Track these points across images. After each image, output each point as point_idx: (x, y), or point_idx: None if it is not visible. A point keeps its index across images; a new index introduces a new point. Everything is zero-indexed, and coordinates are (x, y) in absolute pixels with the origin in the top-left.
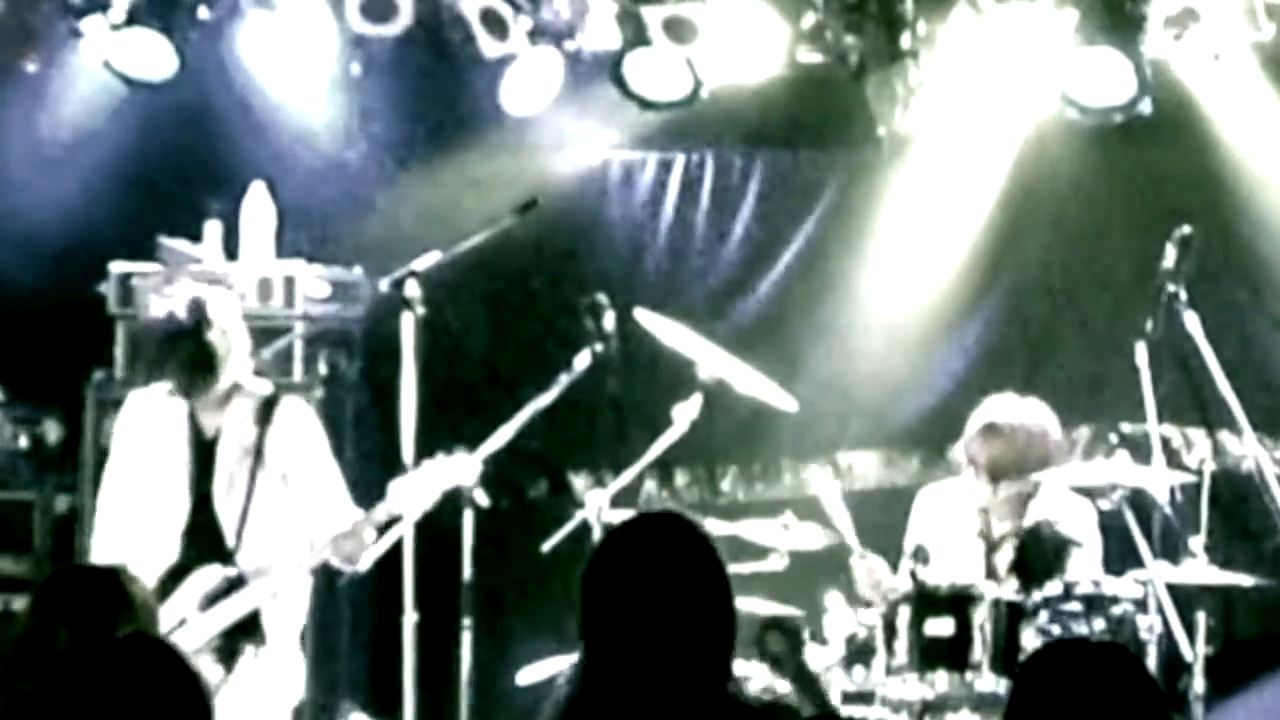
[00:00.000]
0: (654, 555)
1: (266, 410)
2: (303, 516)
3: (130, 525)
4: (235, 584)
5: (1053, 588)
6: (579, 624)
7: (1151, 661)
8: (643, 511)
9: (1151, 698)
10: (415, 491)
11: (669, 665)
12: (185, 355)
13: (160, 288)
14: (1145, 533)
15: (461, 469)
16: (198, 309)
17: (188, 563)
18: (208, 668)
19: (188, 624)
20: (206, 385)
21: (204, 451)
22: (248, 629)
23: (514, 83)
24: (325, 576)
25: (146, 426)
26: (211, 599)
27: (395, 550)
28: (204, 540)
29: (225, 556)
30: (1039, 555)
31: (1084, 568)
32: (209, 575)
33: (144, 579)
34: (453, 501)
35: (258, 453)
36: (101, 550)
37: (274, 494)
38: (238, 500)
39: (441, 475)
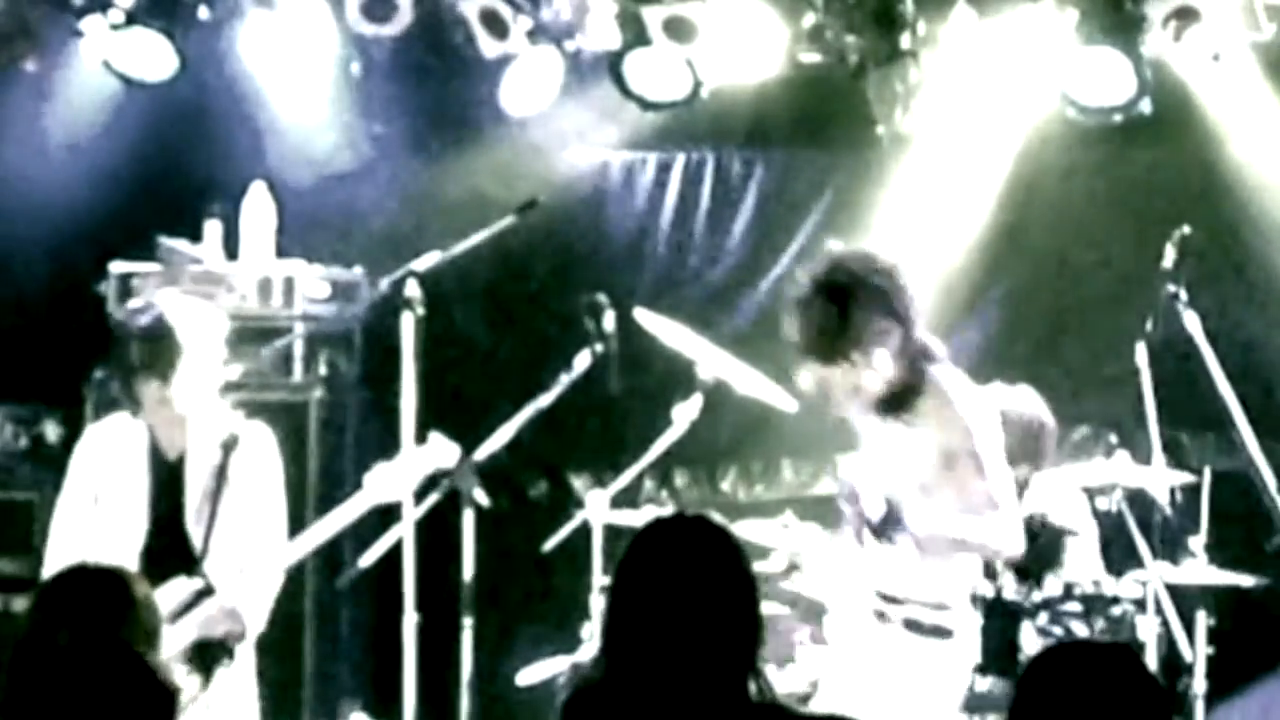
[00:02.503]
0: (682, 557)
1: (231, 435)
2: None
3: (84, 550)
4: (203, 595)
5: (1052, 588)
6: (604, 622)
7: (1151, 661)
8: (678, 512)
9: (1154, 699)
10: (392, 479)
11: (693, 666)
12: (142, 360)
13: (159, 287)
14: (1145, 533)
15: (439, 453)
16: (158, 315)
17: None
18: (184, 679)
19: None
20: (162, 390)
21: (166, 472)
22: (219, 640)
23: (514, 83)
24: (325, 577)
25: (104, 453)
26: (180, 611)
27: (395, 550)
28: (166, 558)
29: (190, 570)
30: (1035, 549)
31: (1082, 556)
32: (177, 588)
33: None
34: (453, 502)
35: (222, 473)
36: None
37: (237, 514)
38: (203, 518)
39: (419, 461)
